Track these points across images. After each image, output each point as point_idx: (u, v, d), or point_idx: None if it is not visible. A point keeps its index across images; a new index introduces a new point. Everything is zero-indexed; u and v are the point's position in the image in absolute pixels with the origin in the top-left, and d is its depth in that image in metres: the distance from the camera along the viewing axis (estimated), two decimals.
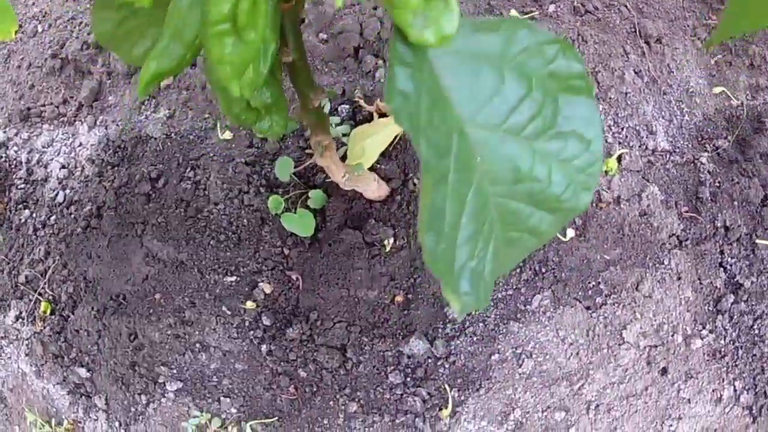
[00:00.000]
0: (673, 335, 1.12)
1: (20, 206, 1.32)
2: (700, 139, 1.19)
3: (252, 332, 1.11)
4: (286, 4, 0.61)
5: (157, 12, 0.69)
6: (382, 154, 1.11)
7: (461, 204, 0.52)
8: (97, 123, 1.29)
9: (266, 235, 1.13)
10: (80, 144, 1.30)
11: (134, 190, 1.20)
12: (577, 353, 1.10)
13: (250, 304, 1.12)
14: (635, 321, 1.11)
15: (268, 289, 1.12)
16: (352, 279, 1.10)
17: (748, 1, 0.51)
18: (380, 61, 1.16)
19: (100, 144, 1.27)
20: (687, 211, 1.15)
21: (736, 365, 1.12)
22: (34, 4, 1.40)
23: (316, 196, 1.11)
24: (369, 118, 1.14)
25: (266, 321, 1.11)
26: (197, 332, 1.13)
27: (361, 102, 1.14)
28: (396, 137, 1.12)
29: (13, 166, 1.35)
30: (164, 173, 1.19)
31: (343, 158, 1.11)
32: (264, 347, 1.11)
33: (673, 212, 1.14)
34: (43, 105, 1.34)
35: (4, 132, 1.36)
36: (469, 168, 0.52)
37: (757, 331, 1.13)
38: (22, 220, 1.31)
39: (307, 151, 1.14)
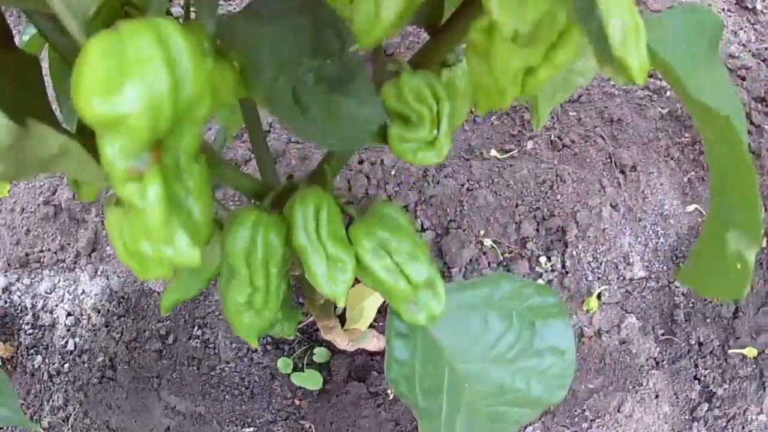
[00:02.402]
0: None
1: (32, 351, 1.37)
2: (674, 259, 1.27)
3: None
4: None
5: None
6: (378, 310, 1.18)
7: (452, 426, 0.62)
8: (98, 273, 1.33)
9: (277, 389, 1.21)
10: (83, 292, 1.34)
11: (145, 346, 1.26)
12: None
13: None
14: None
15: None
16: (360, 425, 1.19)
17: (701, 269, 0.58)
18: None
19: (104, 294, 1.32)
20: (663, 334, 1.25)
21: None
22: None
23: (320, 353, 1.19)
24: None
25: None
26: None
27: None
28: None
29: (19, 311, 1.39)
30: (172, 330, 1.25)
31: (341, 316, 1.18)
32: None
33: (650, 337, 1.24)
34: (41, 251, 1.37)
35: (6, 276, 1.39)
36: (459, 394, 0.62)
37: (731, 431, 1.26)
38: (36, 366, 1.36)
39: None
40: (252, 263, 0.55)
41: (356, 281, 1.20)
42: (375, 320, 1.18)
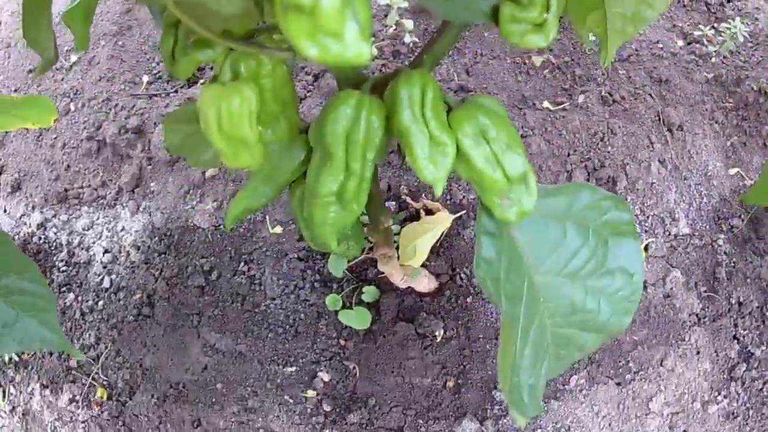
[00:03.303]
0: (692, 402, 1.25)
1: (64, 289, 1.34)
2: (716, 219, 1.29)
3: (314, 418, 1.19)
4: None
5: None
6: (430, 251, 1.18)
7: (526, 338, 0.62)
8: (140, 209, 1.31)
9: (323, 328, 1.20)
10: (123, 229, 1.32)
11: (187, 282, 1.24)
12: (609, 425, 1.22)
13: (310, 392, 1.20)
14: (660, 393, 1.23)
15: (326, 377, 1.20)
16: (406, 367, 1.18)
17: None
18: None
19: (145, 231, 1.30)
20: (705, 291, 1.26)
21: (747, 424, 1.26)
22: (63, 80, 1.38)
23: (370, 292, 1.18)
24: (415, 215, 1.20)
25: (327, 407, 1.19)
26: (261, 419, 1.20)
27: (408, 199, 1.20)
28: (442, 234, 1.19)
29: (53, 248, 1.36)
30: (217, 266, 1.24)
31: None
32: None
33: (693, 293, 1.25)
34: (81, 187, 1.35)
35: (41, 213, 1.37)
36: (535, 308, 0.62)
37: (766, 393, 1.27)
38: (68, 304, 1.33)
39: None
40: (351, 144, 0.54)
41: (411, 219, 1.20)
42: (427, 260, 1.17)
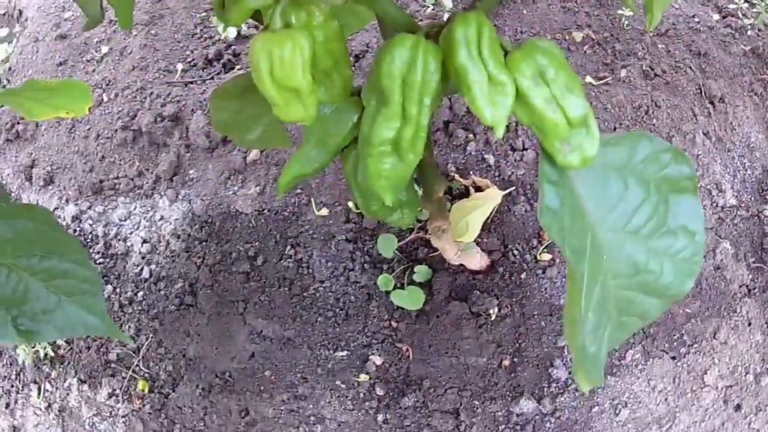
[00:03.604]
0: (745, 375, 1.23)
1: (102, 281, 1.31)
2: (761, 191, 1.29)
3: (367, 403, 1.17)
4: None
5: None
6: (482, 228, 1.16)
7: (590, 300, 0.59)
8: (179, 197, 1.28)
9: (374, 310, 1.17)
10: (161, 218, 1.29)
11: (231, 268, 1.22)
12: (666, 399, 1.20)
13: (363, 377, 1.17)
14: (714, 366, 1.22)
15: (379, 361, 1.17)
16: (460, 347, 1.16)
17: None
18: (470, 135, 1.20)
19: (185, 219, 1.27)
20: (754, 262, 1.26)
21: None
22: (95, 71, 1.36)
23: (421, 271, 1.16)
24: (464, 192, 1.19)
25: (380, 391, 1.17)
26: (312, 406, 1.18)
27: (456, 176, 1.19)
28: (493, 210, 1.17)
29: (89, 240, 1.33)
30: (262, 251, 1.21)
31: None
32: (380, 417, 1.16)
33: (743, 264, 1.25)
34: (117, 177, 1.32)
35: (77, 205, 1.34)
36: (597, 267, 0.59)
37: None
38: (105, 296, 1.30)
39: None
40: (408, 87, 0.53)
41: (461, 196, 1.19)
42: (479, 237, 1.16)
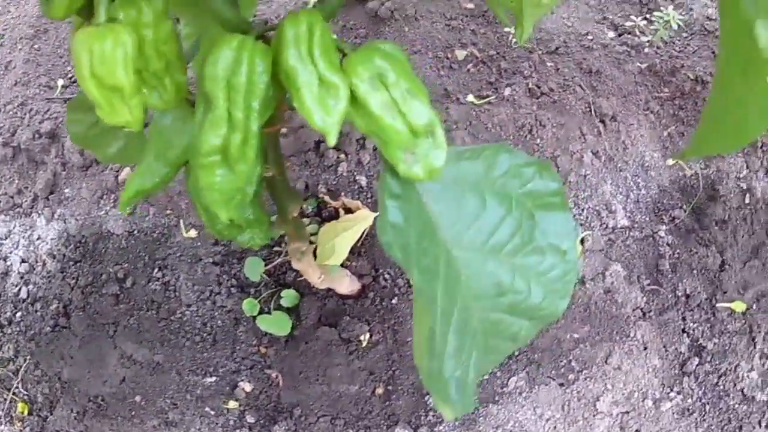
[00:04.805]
0: (643, 400, 1.18)
1: None
2: (657, 211, 1.25)
3: (238, 430, 1.12)
4: (269, 129, 0.61)
5: None
6: (351, 251, 1.12)
7: (448, 322, 0.54)
8: (55, 216, 1.25)
9: (242, 335, 1.13)
10: (39, 237, 1.26)
11: (101, 290, 1.18)
12: (554, 427, 1.15)
13: (232, 403, 1.12)
14: (607, 392, 1.17)
15: (248, 387, 1.13)
16: (332, 375, 1.12)
17: (716, 127, 0.53)
18: (342, 155, 1.16)
19: (60, 239, 1.24)
20: (649, 284, 1.21)
21: (704, 420, 1.19)
22: None
23: (288, 296, 1.12)
24: (335, 214, 1.15)
25: (250, 419, 1.12)
26: None
27: (326, 198, 1.15)
28: (363, 233, 1.13)
29: None
30: (131, 273, 1.17)
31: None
32: None
33: (636, 286, 1.20)
34: None
35: None
36: (455, 288, 0.54)
37: (722, 387, 1.20)
38: None
39: (275, 249, 1.14)
40: (233, 90, 0.49)
41: (330, 218, 1.14)
42: (349, 260, 1.12)
